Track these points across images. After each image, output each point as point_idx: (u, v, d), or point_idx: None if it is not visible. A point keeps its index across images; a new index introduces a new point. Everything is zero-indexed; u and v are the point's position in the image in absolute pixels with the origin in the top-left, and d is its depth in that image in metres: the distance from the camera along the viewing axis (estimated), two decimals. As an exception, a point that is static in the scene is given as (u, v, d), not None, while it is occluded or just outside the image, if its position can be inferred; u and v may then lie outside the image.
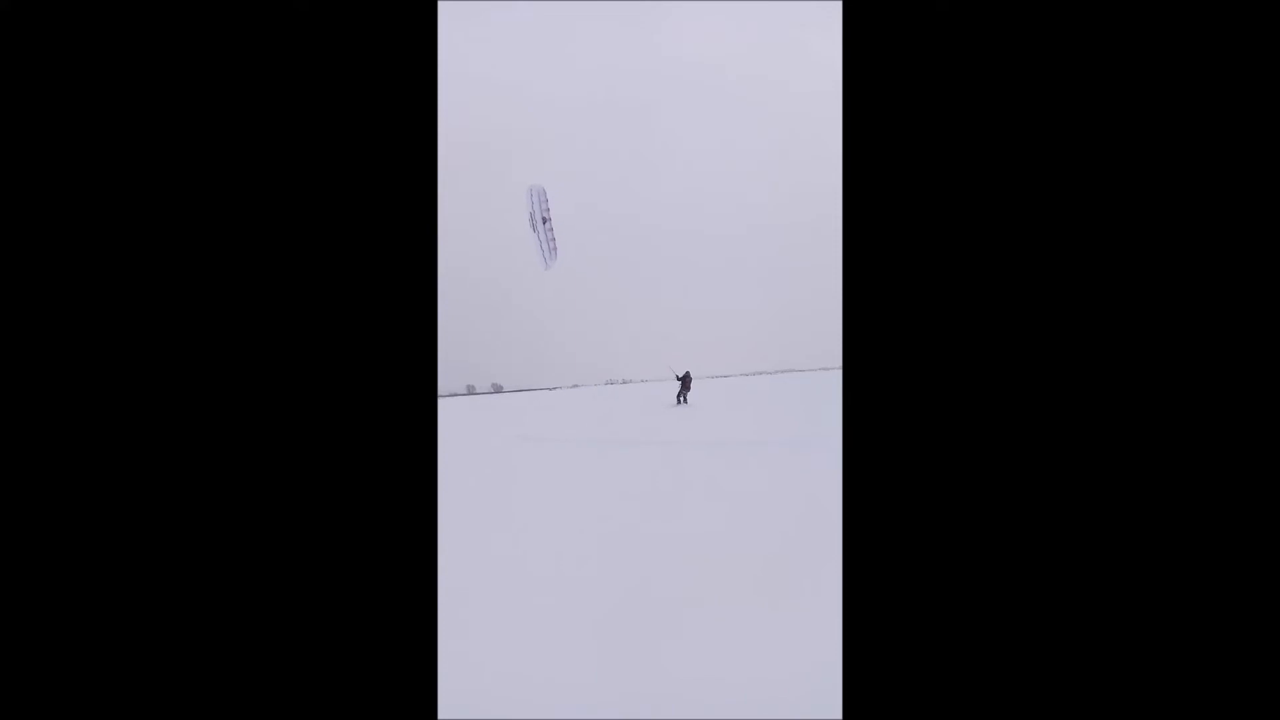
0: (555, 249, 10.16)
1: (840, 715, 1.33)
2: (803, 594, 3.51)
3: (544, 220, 10.04)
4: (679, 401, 14.87)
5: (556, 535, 4.77)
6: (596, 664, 2.50)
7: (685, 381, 14.94)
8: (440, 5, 1.50)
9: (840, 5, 1.41)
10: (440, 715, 1.39)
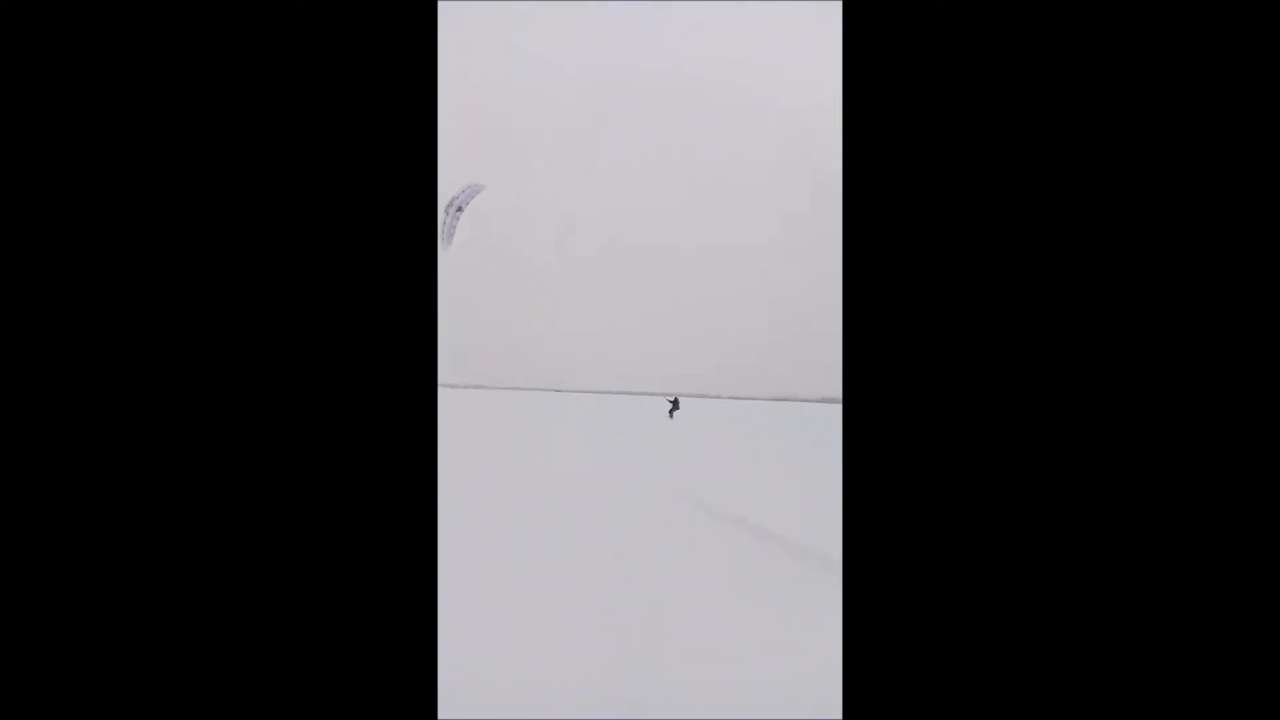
0: (452, 237, 11.10)
1: (840, 715, 1.34)
2: (803, 595, 3.51)
3: (459, 209, 10.87)
4: (670, 416, 19.24)
5: (557, 539, 4.77)
6: (596, 664, 2.50)
7: (675, 403, 19.48)
8: (440, 5, 1.50)
9: (840, 5, 1.41)
10: (440, 715, 1.39)
